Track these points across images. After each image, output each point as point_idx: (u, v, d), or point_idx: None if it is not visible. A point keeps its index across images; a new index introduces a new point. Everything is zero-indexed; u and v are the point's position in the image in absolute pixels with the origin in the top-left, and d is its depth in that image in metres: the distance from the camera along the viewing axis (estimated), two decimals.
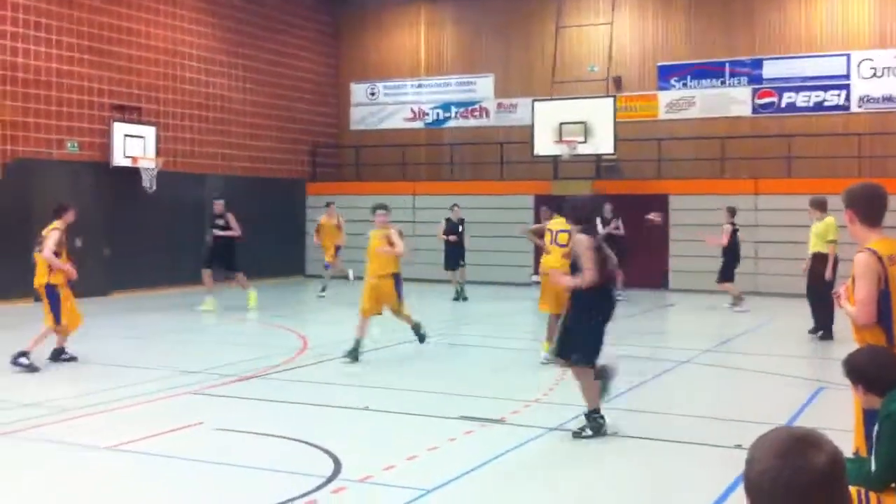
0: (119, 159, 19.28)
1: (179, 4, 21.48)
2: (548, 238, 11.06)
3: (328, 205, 20.09)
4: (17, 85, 17.61)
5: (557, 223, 10.81)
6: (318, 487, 6.05)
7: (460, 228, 19.25)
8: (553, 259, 10.64)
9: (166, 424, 7.78)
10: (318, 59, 26.44)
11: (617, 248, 17.36)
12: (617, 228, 18.13)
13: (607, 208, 17.87)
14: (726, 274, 17.23)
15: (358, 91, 27.06)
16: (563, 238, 10.40)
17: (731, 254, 17.23)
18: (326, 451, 6.87)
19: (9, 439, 7.30)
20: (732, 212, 17.32)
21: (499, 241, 22.76)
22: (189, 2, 21.77)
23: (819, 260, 13.15)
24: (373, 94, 26.91)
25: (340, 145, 26.95)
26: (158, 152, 20.14)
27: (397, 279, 11.67)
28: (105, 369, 10.76)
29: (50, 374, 10.28)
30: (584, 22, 24.05)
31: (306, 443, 7.15)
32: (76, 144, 18.86)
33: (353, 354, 11.09)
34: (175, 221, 21.21)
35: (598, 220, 15.89)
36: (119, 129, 19.35)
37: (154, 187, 19.93)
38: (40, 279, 10.69)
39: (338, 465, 6.55)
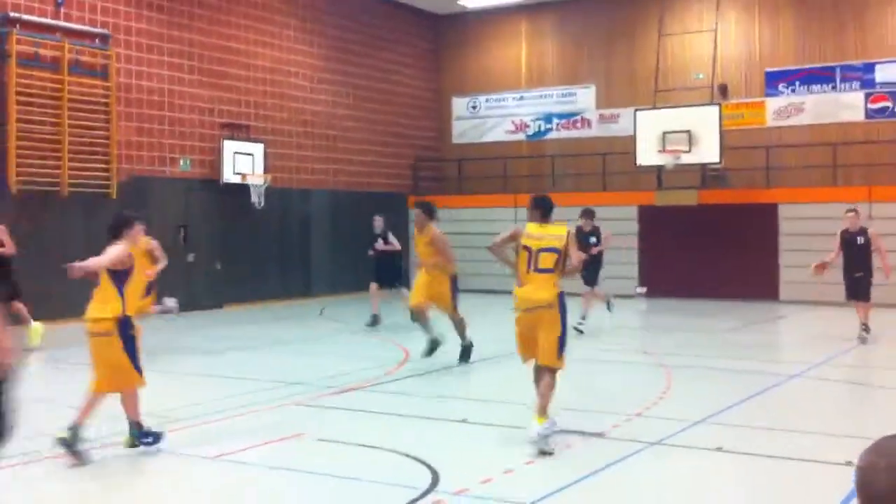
0: (229, 176, 19.88)
1: (284, 25, 22.04)
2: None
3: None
4: (132, 105, 18.35)
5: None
6: (416, 500, 6.09)
7: (383, 241, 17.51)
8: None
9: (269, 435, 7.96)
10: (420, 73, 26.73)
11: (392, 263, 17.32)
12: (388, 244, 17.34)
13: (378, 223, 17.42)
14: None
15: (459, 105, 27.22)
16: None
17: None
18: (424, 463, 6.91)
19: (119, 449, 7.58)
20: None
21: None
22: (293, 21, 22.31)
23: None
24: (474, 107, 27.02)
25: (442, 159, 27.15)
26: (266, 169, 20.68)
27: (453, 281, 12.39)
28: (212, 380, 11.08)
29: (160, 384, 10.62)
30: (687, 29, 23.65)
31: (405, 455, 7.21)
32: (189, 162, 19.52)
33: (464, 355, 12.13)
34: (283, 236, 21.73)
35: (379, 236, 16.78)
36: (229, 146, 19.96)
37: (262, 203, 20.46)
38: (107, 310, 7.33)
39: (436, 477, 6.58)
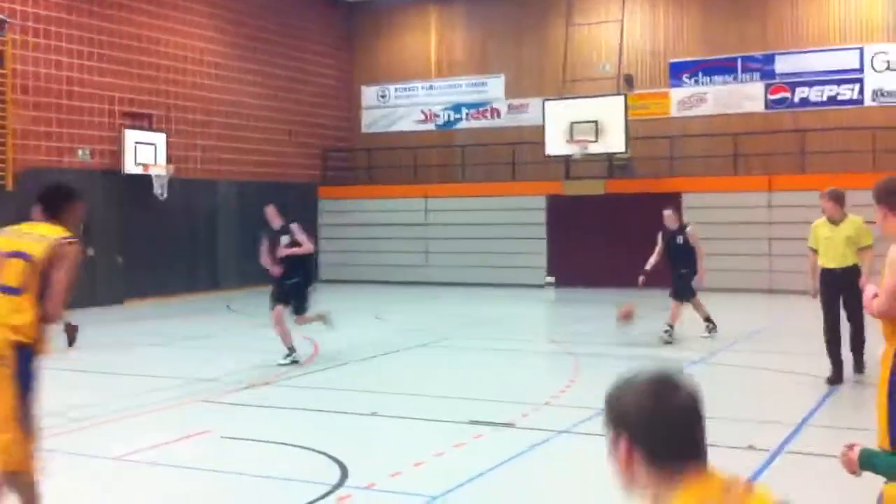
0: (130, 167, 19.32)
1: (191, 11, 21.51)
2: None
3: None
4: (28, 93, 17.67)
5: None
6: (324, 495, 6.01)
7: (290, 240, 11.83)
8: None
9: (174, 434, 7.76)
10: (330, 62, 26.45)
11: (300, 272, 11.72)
12: (295, 244, 11.76)
13: (273, 213, 12.13)
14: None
15: (369, 94, 27.04)
16: None
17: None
18: (333, 459, 6.83)
19: None
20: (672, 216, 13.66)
21: (511, 243, 22.71)
22: (201, 8, 21.80)
23: (850, 274, 9.43)
24: (384, 96, 26.88)
25: (352, 149, 26.94)
26: (170, 159, 20.17)
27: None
28: (115, 378, 10.76)
29: (61, 383, 10.26)
30: (594, 20, 23.94)
31: (313, 450, 7.11)
32: (88, 152, 18.91)
33: None
34: (189, 227, 21.26)
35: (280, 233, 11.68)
36: (130, 136, 19.40)
37: (166, 194, 19.96)
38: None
39: (344, 472, 6.50)
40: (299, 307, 11.65)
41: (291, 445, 7.30)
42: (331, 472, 6.48)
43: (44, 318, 4.62)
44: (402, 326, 15.61)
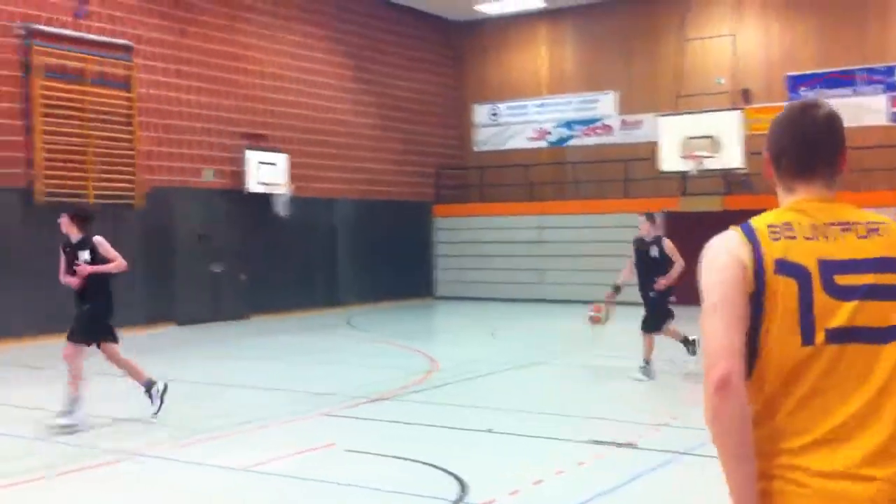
0: (253, 186, 19.97)
1: (306, 34, 22.11)
2: None
3: None
4: (154, 116, 18.46)
5: None
6: None
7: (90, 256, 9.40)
8: None
9: (298, 446, 7.97)
10: (441, 80, 26.78)
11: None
12: (98, 261, 9.35)
13: (66, 224, 9.54)
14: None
15: (480, 112, 27.20)
16: None
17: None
18: (453, 475, 6.89)
19: (156, 460, 7.62)
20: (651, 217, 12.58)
21: (625, 260, 22.44)
22: (314, 30, 22.39)
23: None
24: (495, 114, 27.01)
25: (464, 167, 27.16)
26: (290, 178, 20.76)
27: None
28: (239, 390, 11.11)
29: (187, 395, 10.67)
30: (707, 34, 23.55)
31: (433, 465, 7.20)
32: (213, 172, 19.62)
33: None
34: (307, 245, 21.80)
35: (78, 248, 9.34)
36: (252, 156, 20.05)
37: (286, 212, 20.54)
38: None
39: (464, 488, 6.56)
40: (91, 336, 9.17)
41: (412, 460, 7.40)
42: (450, 488, 6.54)
43: None
44: (518, 344, 15.64)
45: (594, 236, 23.11)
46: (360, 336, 17.28)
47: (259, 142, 20.60)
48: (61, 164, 16.60)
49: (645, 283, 11.82)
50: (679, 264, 11.64)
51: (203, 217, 19.30)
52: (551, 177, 25.68)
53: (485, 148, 27.07)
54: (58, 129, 16.55)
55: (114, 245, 9.47)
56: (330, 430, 8.75)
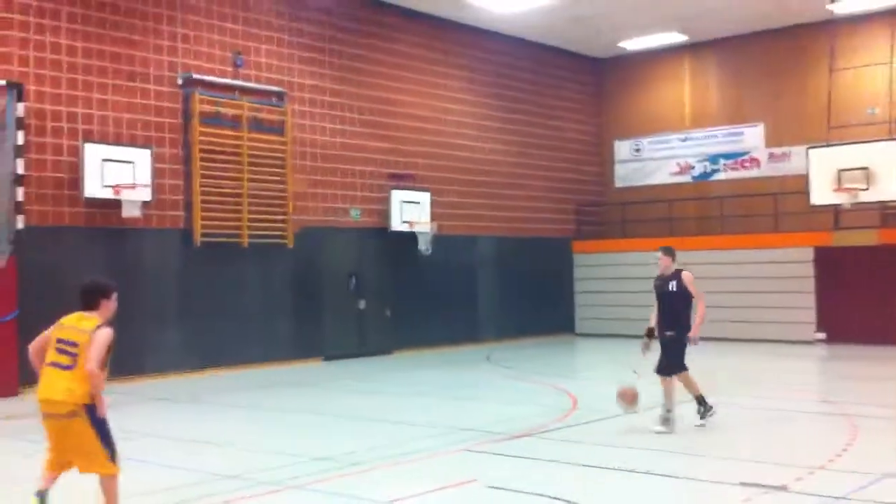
0: (397, 224, 20.43)
1: (447, 76, 22.57)
2: None
3: None
4: (306, 159, 19.19)
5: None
6: None
7: None
8: None
9: (440, 481, 8.06)
10: (582, 117, 26.77)
11: None
12: None
13: None
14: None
15: (622, 148, 27.04)
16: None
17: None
18: None
19: (301, 492, 7.86)
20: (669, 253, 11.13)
21: (775, 297, 21.78)
22: (455, 72, 22.82)
23: None
24: (637, 150, 26.78)
25: (605, 203, 26.98)
26: (433, 216, 21.13)
27: None
28: (381, 425, 11.31)
29: (331, 430, 10.95)
30: (859, 63, 22.71)
31: None
32: (359, 212, 20.19)
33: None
34: (449, 282, 22.08)
35: None
36: (396, 196, 20.53)
37: (430, 250, 20.89)
38: (78, 394, 6.21)
39: None
40: None
41: (555, 498, 7.37)
42: None
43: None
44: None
45: (740, 272, 22.51)
46: (501, 372, 17.32)
47: (404, 181, 21.07)
48: (218, 206, 17.43)
49: (661, 322, 10.69)
50: (701, 302, 10.60)
51: (350, 255, 19.86)
52: (695, 212, 25.20)
53: (626, 184, 26.84)
54: (214, 173, 17.41)
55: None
56: (471, 465, 8.80)
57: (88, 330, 6.27)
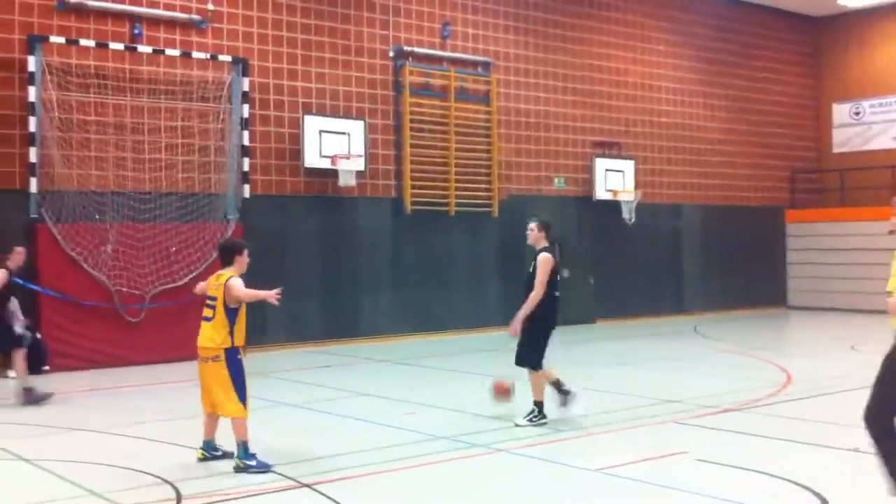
0: (601, 193, 20.32)
1: (654, 40, 22.12)
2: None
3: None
4: (511, 128, 19.40)
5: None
6: None
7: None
8: None
9: (650, 451, 8.09)
10: (796, 80, 25.54)
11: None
12: None
13: None
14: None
15: (840, 112, 25.61)
16: None
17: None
18: (812, 491, 6.68)
19: (511, 455, 8.10)
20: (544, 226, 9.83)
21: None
22: (663, 36, 22.32)
23: None
24: (857, 113, 25.30)
25: (822, 169, 25.69)
26: (637, 185, 20.88)
27: None
28: (591, 394, 11.40)
29: (546, 397, 11.12)
30: None
31: (792, 482, 7.00)
32: (563, 180, 20.23)
33: None
34: (653, 251, 21.78)
35: None
36: (600, 164, 20.41)
37: (633, 219, 20.68)
38: (218, 340, 7.48)
39: None
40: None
41: (769, 475, 7.25)
42: None
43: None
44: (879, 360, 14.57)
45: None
46: (709, 344, 16.99)
47: (609, 149, 20.91)
48: (426, 175, 17.95)
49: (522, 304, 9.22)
50: (536, 290, 9.04)
51: (554, 224, 19.88)
52: None
53: (844, 149, 25.45)
54: (423, 143, 17.92)
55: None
56: (681, 437, 8.77)
57: (222, 283, 7.54)
